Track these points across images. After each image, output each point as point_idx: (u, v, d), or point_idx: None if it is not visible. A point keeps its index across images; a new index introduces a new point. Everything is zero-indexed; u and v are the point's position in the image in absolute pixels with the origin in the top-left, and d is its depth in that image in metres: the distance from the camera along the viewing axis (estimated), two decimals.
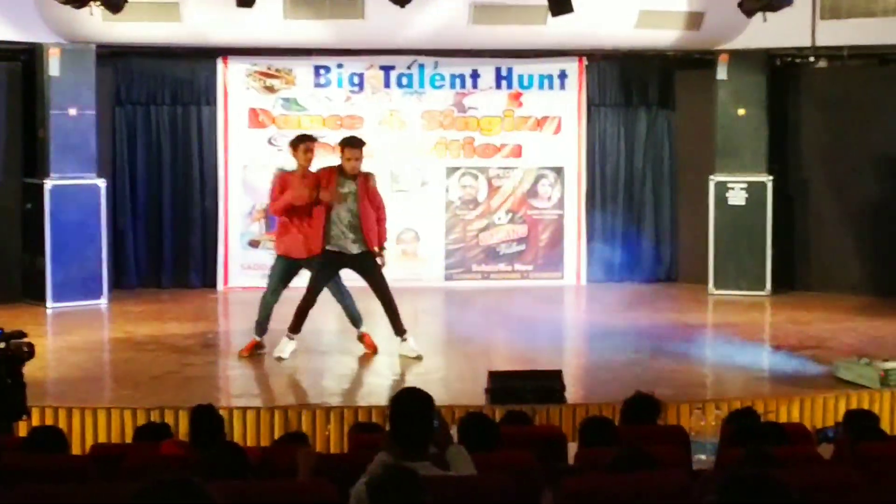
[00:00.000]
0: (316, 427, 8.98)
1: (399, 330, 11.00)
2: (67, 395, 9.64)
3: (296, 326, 10.87)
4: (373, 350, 11.08)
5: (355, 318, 11.10)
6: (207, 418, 6.34)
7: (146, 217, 14.91)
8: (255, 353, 11.01)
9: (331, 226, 10.74)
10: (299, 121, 14.82)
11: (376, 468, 5.21)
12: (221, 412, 8.74)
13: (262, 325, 11.04)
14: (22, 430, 7.74)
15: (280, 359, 10.80)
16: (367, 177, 10.87)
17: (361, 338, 11.13)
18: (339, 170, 10.79)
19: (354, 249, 10.77)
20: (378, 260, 10.86)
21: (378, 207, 10.87)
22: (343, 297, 11.06)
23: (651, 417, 6.78)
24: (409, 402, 5.41)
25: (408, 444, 5.25)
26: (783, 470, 5.13)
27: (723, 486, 3.38)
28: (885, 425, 8.31)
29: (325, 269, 10.87)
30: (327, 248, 10.78)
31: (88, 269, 13.57)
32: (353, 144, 10.83)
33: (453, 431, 6.04)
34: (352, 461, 5.60)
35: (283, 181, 11.06)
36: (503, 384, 9.26)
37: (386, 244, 11.06)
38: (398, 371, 10.73)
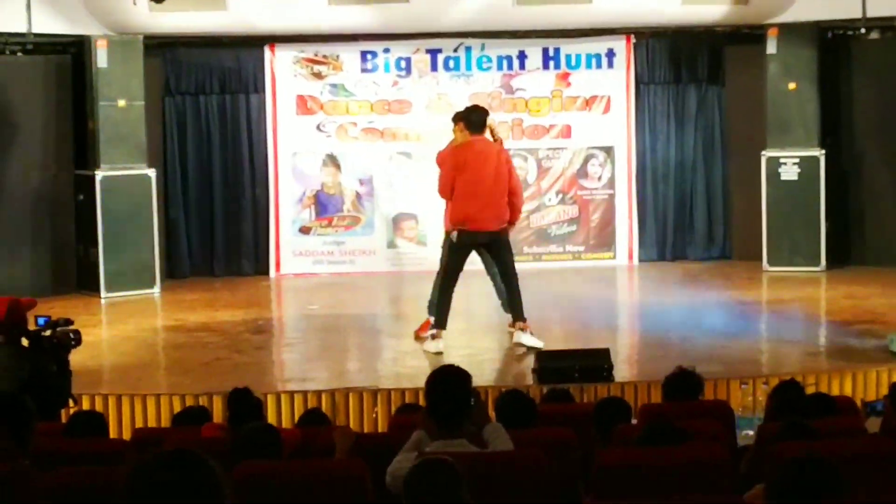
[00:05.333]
0: (364, 410, 9.00)
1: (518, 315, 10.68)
2: (119, 383, 9.75)
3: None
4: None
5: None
6: (244, 401, 6.35)
7: (197, 206, 14.96)
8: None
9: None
10: (347, 106, 14.83)
11: (412, 446, 5.21)
12: (269, 397, 8.86)
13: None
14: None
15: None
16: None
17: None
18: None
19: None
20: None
21: None
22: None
23: (693, 393, 6.72)
24: (446, 378, 5.40)
25: (444, 421, 5.24)
26: (822, 442, 5.07)
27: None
28: None
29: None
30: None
31: (141, 259, 13.63)
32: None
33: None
34: (390, 441, 5.59)
35: None
36: (550, 364, 9.25)
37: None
38: (447, 352, 10.70)
